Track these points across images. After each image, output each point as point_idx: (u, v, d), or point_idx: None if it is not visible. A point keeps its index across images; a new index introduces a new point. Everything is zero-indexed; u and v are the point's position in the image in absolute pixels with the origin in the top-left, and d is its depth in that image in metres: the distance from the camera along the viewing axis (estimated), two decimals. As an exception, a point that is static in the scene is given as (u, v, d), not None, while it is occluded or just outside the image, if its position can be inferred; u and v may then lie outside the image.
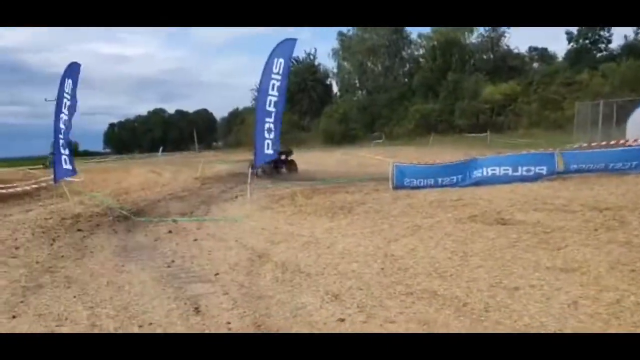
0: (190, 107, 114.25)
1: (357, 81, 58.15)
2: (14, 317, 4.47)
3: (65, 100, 12.03)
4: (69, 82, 12.09)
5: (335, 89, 62.12)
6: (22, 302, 4.90)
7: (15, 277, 5.85)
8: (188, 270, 5.79)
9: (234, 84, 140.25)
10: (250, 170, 11.75)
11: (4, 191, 15.85)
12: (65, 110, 12.06)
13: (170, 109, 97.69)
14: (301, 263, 5.66)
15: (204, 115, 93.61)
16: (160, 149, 55.68)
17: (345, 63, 57.86)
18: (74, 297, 4.97)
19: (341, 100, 56.29)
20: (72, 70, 12.27)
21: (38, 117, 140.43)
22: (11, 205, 13.58)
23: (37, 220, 10.31)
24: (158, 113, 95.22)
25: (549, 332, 3.49)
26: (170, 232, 8.31)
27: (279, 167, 17.41)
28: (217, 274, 5.50)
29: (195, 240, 7.48)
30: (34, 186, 17.48)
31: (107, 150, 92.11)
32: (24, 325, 4.23)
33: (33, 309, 4.68)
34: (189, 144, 79.53)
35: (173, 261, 6.26)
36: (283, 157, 17.47)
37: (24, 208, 12.71)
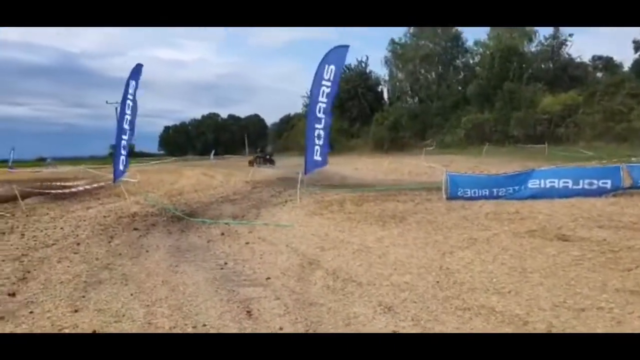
0: (242, 112, 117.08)
1: (408, 89, 57.37)
2: (75, 311, 4.65)
3: (128, 101, 12.58)
4: (132, 84, 12.62)
5: (386, 96, 61.72)
6: (83, 296, 5.11)
7: (77, 272, 6.14)
8: (240, 273, 5.85)
9: (286, 90, 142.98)
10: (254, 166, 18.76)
11: (67, 190, 16.84)
12: (128, 112, 12.61)
13: (224, 113, 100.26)
14: (352, 272, 5.59)
15: (255, 121, 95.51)
16: (212, 152, 57.20)
17: (397, 70, 57.29)
18: (131, 294, 5.13)
19: (392, 108, 55.69)
20: (136, 72, 12.80)
21: (99, 118, 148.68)
22: (73, 202, 14.38)
23: (97, 218, 10.83)
24: (211, 117, 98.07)
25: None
26: (222, 234, 8.47)
27: (266, 161, 33.07)
28: (268, 278, 5.52)
29: (247, 243, 7.56)
30: (94, 185, 18.41)
31: (162, 152, 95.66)
32: (85, 319, 4.39)
33: (93, 304, 4.86)
34: (239, 148, 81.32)
35: (225, 263, 6.35)
36: (268, 157, 34.66)
37: (84, 205, 13.40)
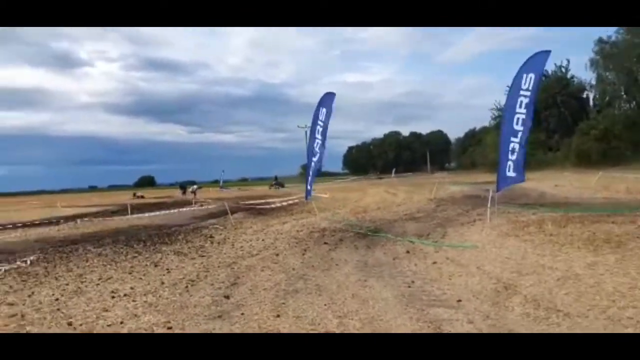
0: (424, 128, 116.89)
1: (623, 92, 49.28)
2: (277, 316, 5.05)
3: (318, 126, 13.71)
4: (323, 110, 13.71)
5: (591, 103, 54.33)
6: (283, 303, 5.54)
7: (277, 281, 6.73)
8: (429, 293, 5.66)
9: (473, 104, 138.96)
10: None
11: (266, 206, 19.03)
12: (318, 136, 13.72)
13: (405, 131, 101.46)
14: (557, 300, 4.92)
15: (438, 137, 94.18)
16: (393, 170, 57.94)
17: (608, 73, 49.73)
18: (325, 304, 5.36)
19: (600, 116, 48.52)
20: (327, 99, 13.86)
21: (293, 141, 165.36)
22: (271, 217, 16.09)
23: (291, 232, 11.86)
24: (392, 135, 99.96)
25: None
26: (408, 252, 8.39)
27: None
28: (459, 300, 5.21)
29: (434, 263, 7.33)
30: (289, 202, 20.37)
31: (345, 171, 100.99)
32: (286, 324, 4.74)
33: (292, 310, 5.22)
34: (420, 165, 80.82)
35: (413, 282, 6.23)
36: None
37: (280, 220, 14.89)
